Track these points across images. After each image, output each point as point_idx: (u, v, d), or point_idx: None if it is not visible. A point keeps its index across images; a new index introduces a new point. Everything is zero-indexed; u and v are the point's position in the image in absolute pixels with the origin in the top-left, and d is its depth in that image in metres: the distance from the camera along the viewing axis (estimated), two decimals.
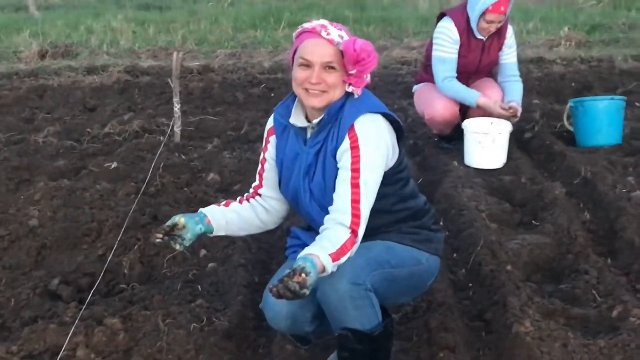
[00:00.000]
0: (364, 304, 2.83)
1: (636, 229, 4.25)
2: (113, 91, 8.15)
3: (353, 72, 2.87)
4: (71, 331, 3.34)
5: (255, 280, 4.00)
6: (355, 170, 2.85)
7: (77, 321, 3.44)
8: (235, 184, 5.24)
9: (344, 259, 2.77)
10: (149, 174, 5.21)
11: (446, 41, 5.63)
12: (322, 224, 2.88)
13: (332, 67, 2.86)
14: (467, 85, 5.79)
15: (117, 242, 4.28)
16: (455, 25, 5.59)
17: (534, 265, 4.10)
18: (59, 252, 4.37)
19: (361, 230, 2.84)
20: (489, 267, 3.92)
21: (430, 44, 5.82)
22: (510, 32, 5.78)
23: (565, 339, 3.22)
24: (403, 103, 7.20)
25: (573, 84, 7.75)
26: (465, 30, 5.59)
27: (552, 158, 5.70)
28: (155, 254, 4.28)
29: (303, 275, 2.54)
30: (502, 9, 5.42)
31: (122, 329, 3.39)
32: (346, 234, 2.79)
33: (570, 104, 6.06)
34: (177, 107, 6.17)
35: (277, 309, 3.00)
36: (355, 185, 2.84)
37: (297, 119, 3.02)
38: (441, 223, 4.31)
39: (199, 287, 3.85)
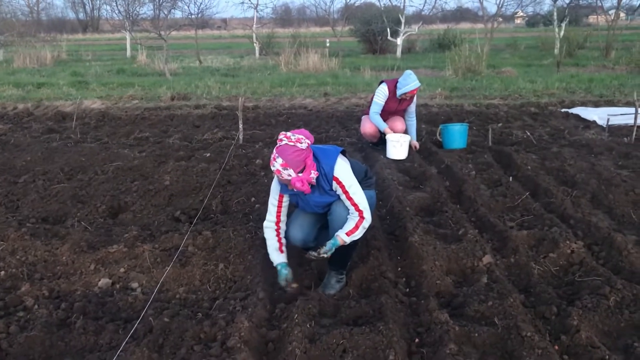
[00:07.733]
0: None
1: (471, 190, 4.26)
2: (208, 118, 8.03)
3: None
4: (185, 237, 3.35)
5: None
6: (346, 192, 2.72)
7: (188, 232, 3.45)
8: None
9: (357, 232, 2.68)
10: (226, 159, 5.17)
11: (380, 95, 5.57)
12: (318, 211, 2.85)
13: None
14: (387, 118, 5.71)
15: (209, 193, 4.28)
16: (388, 88, 5.52)
17: (420, 208, 4.10)
18: (180, 198, 4.34)
19: (366, 214, 2.70)
20: (398, 208, 3.93)
21: (372, 96, 5.72)
22: (415, 97, 5.63)
23: (435, 244, 3.24)
24: (356, 126, 7.06)
25: (442, 117, 7.68)
26: (392, 92, 5.52)
27: (430, 154, 5.66)
28: (229, 200, 4.24)
29: (323, 247, 2.63)
30: (414, 91, 5.42)
31: (211, 237, 3.39)
32: (356, 218, 2.70)
33: (440, 127, 6.04)
34: (241, 126, 6.14)
35: (294, 236, 2.91)
36: (349, 199, 2.72)
37: None
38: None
39: (251, 216, 3.84)
